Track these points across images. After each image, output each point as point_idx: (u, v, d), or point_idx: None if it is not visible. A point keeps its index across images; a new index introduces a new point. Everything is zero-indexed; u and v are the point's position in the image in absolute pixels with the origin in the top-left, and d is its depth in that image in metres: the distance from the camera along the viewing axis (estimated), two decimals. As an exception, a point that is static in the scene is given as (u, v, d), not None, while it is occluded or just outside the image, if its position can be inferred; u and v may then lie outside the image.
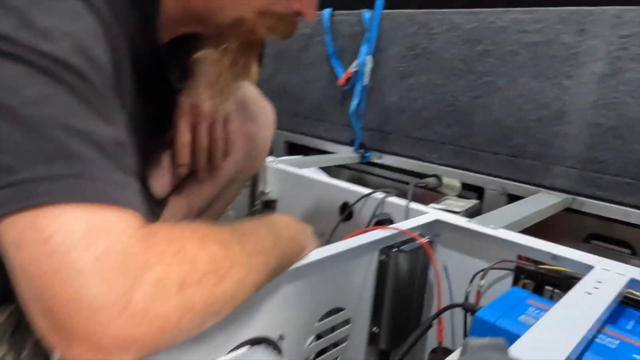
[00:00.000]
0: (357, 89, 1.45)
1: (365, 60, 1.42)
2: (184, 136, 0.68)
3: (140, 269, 0.33)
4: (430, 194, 1.25)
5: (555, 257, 0.67)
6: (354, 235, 0.68)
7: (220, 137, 0.71)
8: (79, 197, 0.33)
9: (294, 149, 1.70)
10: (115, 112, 0.39)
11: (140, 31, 0.50)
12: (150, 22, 0.50)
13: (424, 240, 0.71)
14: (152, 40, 0.51)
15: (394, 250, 0.70)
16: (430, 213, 0.81)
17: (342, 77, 1.47)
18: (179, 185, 0.75)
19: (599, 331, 0.52)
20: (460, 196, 1.21)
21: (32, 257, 0.31)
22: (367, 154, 1.44)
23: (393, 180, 1.46)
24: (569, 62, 1.08)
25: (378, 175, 1.49)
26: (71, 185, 0.33)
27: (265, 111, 0.81)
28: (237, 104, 0.74)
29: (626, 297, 0.61)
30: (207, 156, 0.71)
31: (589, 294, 0.54)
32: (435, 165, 1.31)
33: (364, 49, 1.44)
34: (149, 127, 0.62)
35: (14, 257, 0.32)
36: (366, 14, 1.44)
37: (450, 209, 1.03)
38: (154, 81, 0.56)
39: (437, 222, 0.79)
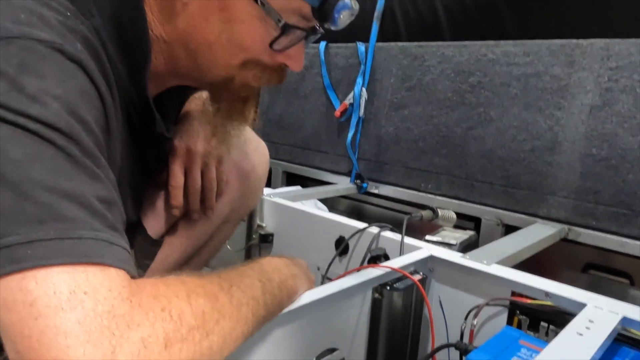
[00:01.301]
0: (353, 120, 1.47)
1: (360, 92, 1.45)
2: (177, 178, 0.69)
3: (125, 328, 0.33)
4: (427, 224, 1.25)
5: (548, 294, 0.67)
6: (346, 274, 0.68)
7: (213, 179, 0.72)
8: (64, 258, 0.33)
9: (292, 178, 1.71)
10: (103, 169, 0.40)
11: (130, 82, 0.51)
12: (140, 75, 0.52)
13: (416, 278, 0.71)
14: (142, 91, 0.53)
15: (387, 288, 0.70)
16: (424, 249, 0.82)
17: (338, 109, 1.49)
18: (174, 226, 0.75)
19: (591, 374, 0.52)
20: (457, 226, 1.21)
21: (18, 319, 0.32)
22: (365, 185, 1.45)
23: (391, 210, 1.46)
24: (559, 93, 1.10)
25: (376, 205, 1.50)
26: (57, 247, 0.33)
27: (259, 150, 0.82)
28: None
29: (620, 335, 0.61)
30: (201, 197, 0.72)
31: (580, 335, 0.54)
32: (431, 196, 1.32)
33: (359, 80, 1.46)
34: (141, 171, 0.63)
35: (1, 319, 0.33)
36: (361, 46, 1.47)
37: (446, 241, 1.03)
38: (145, 127, 0.57)
39: (431, 258, 0.80)
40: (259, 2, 0.48)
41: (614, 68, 1.03)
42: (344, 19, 0.51)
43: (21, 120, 0.35)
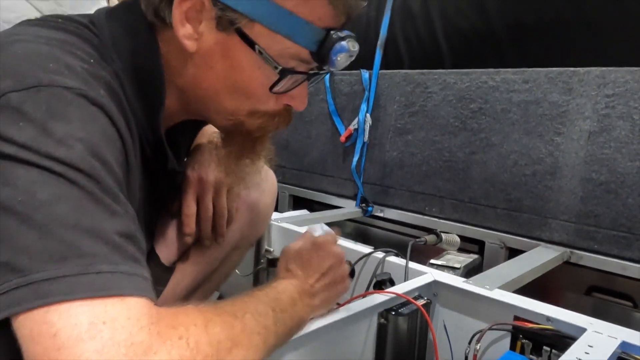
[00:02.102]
0: (358, 145, 1.51)
1: (365, 118, 1.49)
2: (190, 207, 0.72)
3: (143, 356, 0.36)
4: (432, 247, 1.27)
5: (549, 319, 0.69)
6: (352, 300, 0.71)
7: (224, 207, 0.75)
8: (85, 293, 0.36)
9: (298, 202, 1.74)
10: (122, 205, 0.43)
11: (146, 120, 0.55)
12: (155, 114, 0.55)
13: (420, 303, 0.73)
14: (156, 128, 0.57)
15: (392, 313, 0.72)
16: (428, 274, 0.84)
17: (344, 134, 1.53)
18: (185, 253, 0.78)
19: (591, 398, 0.53)
20: (461, 249, 1.23)
21: (43, 350, 0.34)
22: (370, 208, 1.48)
23: (396, 232, 1.48)
24: (558, 119, 1.13)
25: (381, 228, 1.52)
26: (79, 283, 0.36)
27: (267, 179, 0.85)
28: None
29: (620, 359, 0.62)
30: (212, 225, 0.75)
31: (580, 360, 0.56)
32: (435, 219, 1.34)
33: (363, 106, 1.50)
34: (153, 201, 0.66)
35: (28, 350, 0.35)
36: (365, 73, 1.52)
37: (450, 264, 1.05)
38: (158, 161, 0.61)
39: (435, 283, 0.82)
40: (256, 50, 0.51)
41: (611, 95, 1.06)
42: (341, 61, 0.53)
43: (48, 163, 0.38)
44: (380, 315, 0.72)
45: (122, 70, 0.51)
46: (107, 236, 0.39)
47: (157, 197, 0.67)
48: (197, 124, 0.72)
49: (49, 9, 1.48)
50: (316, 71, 0.55)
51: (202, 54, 0.53)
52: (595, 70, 1.08)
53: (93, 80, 0.45)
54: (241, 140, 0.61)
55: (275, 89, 0.54)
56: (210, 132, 0.75)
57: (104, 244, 0.39)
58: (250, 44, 0.51)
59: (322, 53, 0.52)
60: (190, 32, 0.51)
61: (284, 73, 0.53)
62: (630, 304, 1.06)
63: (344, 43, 0.52)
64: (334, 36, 0.52)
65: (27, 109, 0.40)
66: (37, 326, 0.35)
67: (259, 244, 1.16)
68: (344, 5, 0.51)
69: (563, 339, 0.68)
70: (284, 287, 0.57)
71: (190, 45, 0.52)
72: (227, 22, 0.50)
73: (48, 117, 0.40)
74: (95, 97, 0.44)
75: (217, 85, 0.55)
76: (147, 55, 0.54)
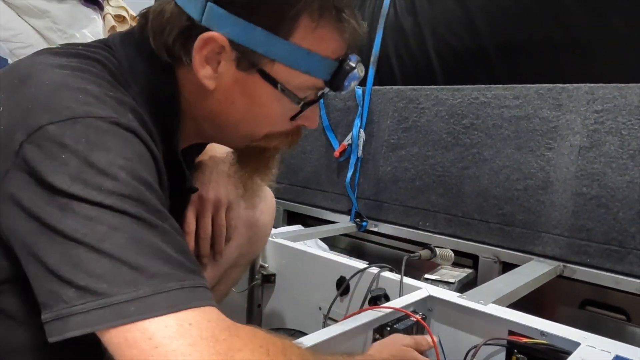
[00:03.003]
0: (352, 160, 1.52)
1: (358, 133, 1.50)
2: (190, 225, 0.73)
3: (228, 351, 0.40)
4: (426, 262, 1.27)
5: (544, 333, 0.70)
6: (348, 317, 0.71)
7: (222, 225, 0.76)
8: (162, 310, 0.39)
9: (293, 217, 1.74)
10: (168, 221, 0.44)
11: (162, 141, 0.56)
12: (172, 136, 0.57)
13: (418, 316, 0.73)
14: (173, 149, 0.58)
15: (388, 329, 0.72)
16: (423, 289, 0.84)
17: (337, 150, 1.54)
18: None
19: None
20: (455, 264, 1.24)
21: (141, 351, 0.38)
22: (364, 223, 1.48)
23: (390, 247, 1.49)
24: (549, 134, 1.15)
25: (376, 243, 1.53)
26: (154, 302, 0.39)
27: (266, 197, 0.86)
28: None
29: (614, 373, 0.63)
30: (211, 243, 0.76)
31: (574, 374, 0.57)
32: (429, 234, 1.35)
33: (357, 122, 1.52)
34: None
35: (122, 355, 0.39)
36: (358, 90, 1.54)
37: (444, 279, 1.06)
38: (173, 180, 0.62)
39: (429, 298, 0.82)
40: (278, 87, 0.54)
41: (600, 111, 1.08)
42: (353, 85, 0.57)
43: (98, 196, 0.41)
44: (376, 331, 0.72)
45: (138, 94, 0.53)
46: (167, 255, 0.42)
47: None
48: (203, 144, 0.73)
49: (45, 26, 1.49)
50: (325, 91, 0.59)
51: (222, 90, 0.55)
52: (584, 86, 1.10)
53: (120, 107, 0.47)
54: (255, 158, 0.63)
55: (295, 118, 0.58)
56: (213, 150, 0.76)
57: (167, 263, 0.41)
58: (272, 82, 0.54)
59: (336, 81, 0.56)
60: (209, 72, 0.53)
61: (304, 106, 0.57)
62: (623, 317, 1.07)
63: (356, 71, 0.56)
64: (347, 67, 0.55)
65: (68, 142, 0.42)
66: (131, 333, 0.39)
67: (253, 260, 1.16)
68: (353, 36, 0.55)
69: (557, 353, 0.69)
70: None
71: (210, 84, 0.54)
72: (247, 63, 0.53)
73: (89, 149, 0.42)
74: (126, 123, 0.46)
75: (237, 116, 0.57)
76: (162, 84, 0.56)
